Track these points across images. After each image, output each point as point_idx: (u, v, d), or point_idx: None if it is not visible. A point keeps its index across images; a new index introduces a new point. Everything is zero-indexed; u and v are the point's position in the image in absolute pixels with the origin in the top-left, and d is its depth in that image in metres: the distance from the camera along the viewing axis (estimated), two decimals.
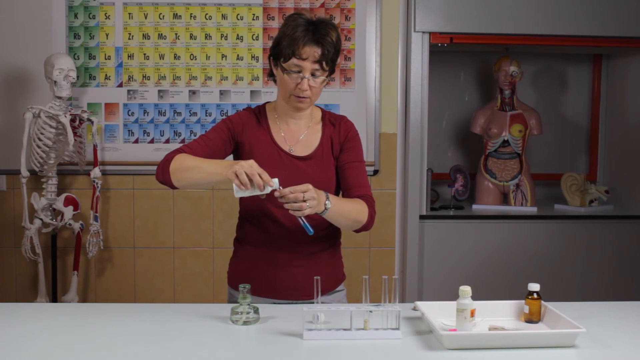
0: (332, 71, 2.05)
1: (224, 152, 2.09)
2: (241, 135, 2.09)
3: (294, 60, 1.98)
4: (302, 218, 1.88)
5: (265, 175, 1.83)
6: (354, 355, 1.68)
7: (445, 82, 4.00)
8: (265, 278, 2.09)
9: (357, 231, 2.07)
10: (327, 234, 2.12)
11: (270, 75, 2.11)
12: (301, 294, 2.07)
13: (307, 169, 2.06)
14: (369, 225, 2.06)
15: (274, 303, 2.08)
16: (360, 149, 2.15)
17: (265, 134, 2.10)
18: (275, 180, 1.85)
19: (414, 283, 3.49)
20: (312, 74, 1.99)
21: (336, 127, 2.13)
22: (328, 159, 2.10)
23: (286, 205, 1.85)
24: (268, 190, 1.84)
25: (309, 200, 1.84)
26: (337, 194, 2.12)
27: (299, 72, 1.98)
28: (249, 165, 1.84)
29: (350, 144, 2.12)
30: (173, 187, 1.99)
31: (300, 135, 2.11)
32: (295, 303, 2.07)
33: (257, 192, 1.84)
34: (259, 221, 2.09)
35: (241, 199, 2.14)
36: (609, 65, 4.03)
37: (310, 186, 1.85)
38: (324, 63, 1.99)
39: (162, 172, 1.98)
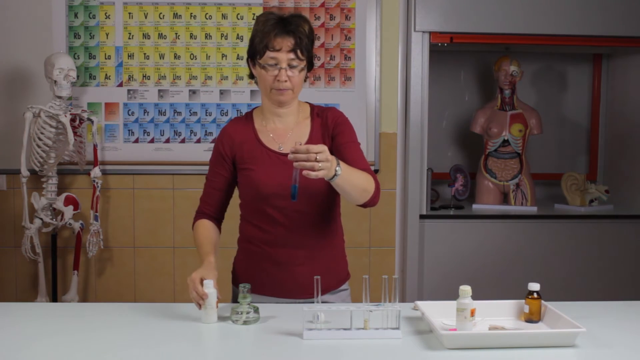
0: (310, 63, 2.06)
1: (231, 174, 2.13)
2: (231, 149, 2.11)
3: (268, 54, 1.98)
4: (297, 181, 1.85)
5: (199, 289, 1.87)
6: (354, 355, 1.68)
7: (445, 82, 3.99)
8: (268, 277, 2.09)
9: (364, 205, 2.01)
10: (329, 230, 2.13)
11: (251, 77, 2.12)
12: (304, 292, 2.07)
13: None
14: (375, 197, 2.01)
15: (277, 302, 2.09)
16: (352, 132, 2.12)
17: (251, 137, 2.10)
18: (208, 281, 1.89)
19: (414, 283, 3.49)
20: (289, 65, 1.99)
21: (323, 117, 2.12)
22: None
23: (296, 164, 1.79)
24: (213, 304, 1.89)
25: (322, 162, 1.78)
26: (333, 191, 2.08)
27: (276, 64, 1.99)
28: (190, 281, 1.90)
29: (339, 128, 2.10)
30: None
31: (288, 133, 2.10)
32: (299, 301, 2.06)
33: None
34: (259, 221, 2.10)
35: (241, 200, 2.15)
36: (609, 65, 4.03)
37: (325, 147, 1.80)
38: (298, 52, 1.99)
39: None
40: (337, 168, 1.85)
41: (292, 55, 1.99)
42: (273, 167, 2.05)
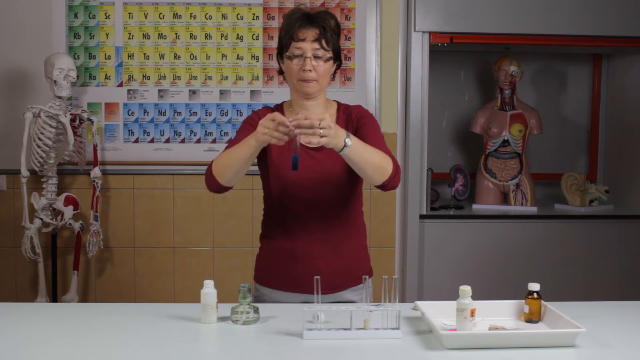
0: (337, 56, 2.08)
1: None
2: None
3: (294, 44, 2.02)
4: (297, 150, 1.84)
5: (281, 118, 1.81)
6: (354, 355, 1.68)
7: (445, 82, 3.99)
8: (288, 273, 2.10)
9: (383, 186, 1.98)
10: (349, 225, 2.13)
11: (280, 72, 2.14)
12: (324, 288, 2.06)
13: (322, 158, 2.07)
14: (395, 178, 1.98)
15: (298, 298, 2.08)
16: (375, 124, 2.12)
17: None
18: (208, 281, 1.89)
19: (414, 283, 3.49)
20: (315, 55, 2.01)
21: (348, 114, 2.15)
22: None
23: (298, 130, 1.80)
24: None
25: (324, 129, 1.79)
26: (352, 185, 2.10)
27: (301, 55, 2.02)
28: (266, 125, 1.83)
29: (362, 121, 2.12)
30: (224, 188, 2.01)
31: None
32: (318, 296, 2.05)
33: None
34: (280, 214, 2.11)
35: (265, 192, 2.16)
36: (609, 65, 4.03)
37: (327, 116, 1.82)
38: (323, 41, 2.02)
39: (210, 180, 2.01)
40: (347, 139, 1.84)
41: (316, 45, 2.01)
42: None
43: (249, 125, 2.09)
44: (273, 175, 2.10)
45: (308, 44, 2.01)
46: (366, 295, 1.80)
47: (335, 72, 2.13)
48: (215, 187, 2.02)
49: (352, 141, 1.85)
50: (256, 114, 2.15)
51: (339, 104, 2.19)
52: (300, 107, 2.11)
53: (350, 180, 2.08)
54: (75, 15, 3.41)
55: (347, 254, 2.13)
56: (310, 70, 2.01)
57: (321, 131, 1.79)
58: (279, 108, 2.18)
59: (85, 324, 1.90)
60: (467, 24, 3.42)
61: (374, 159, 1.92)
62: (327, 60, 2.04)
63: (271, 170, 2.10)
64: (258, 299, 2.17)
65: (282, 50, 2.07)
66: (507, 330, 1.82)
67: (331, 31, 2.04)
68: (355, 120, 2.12)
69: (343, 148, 1.85)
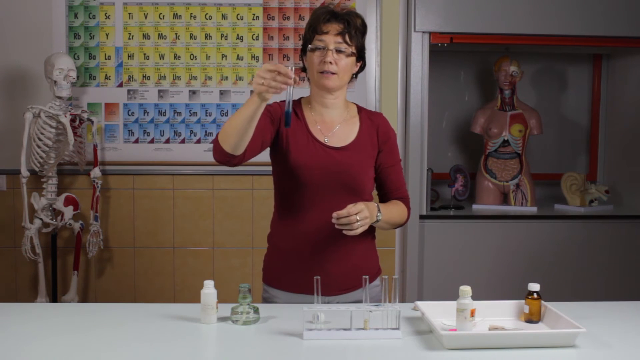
0: (360, 55, 2.09)
1: (271, 131, 2.05)
2: (280, 121, 2.09)
3: (317, 37, 2.03)
4: (290, 106, 1.82)
5: (282, 69, 1.76)
6: (354, 355, 1.68)
7: (445, 82, 4.00)
8: (298, 274, 2.09)
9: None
10: None
11: (304, 70, 2.14)
12: (335, 289, 2.08)
13: (342, 159, 2.07)
14: (406, 222, 2.21)
15: (309, 299, 2.04)
16: (397, 149, 2.20)
17: (301, 124, 2.11)
18: (208, 282, 1.91)
19: (414, 283, 3.49)
20: (337, 49, 2.02)
21: (375, 123, 2.15)
22: (365, 151, 2.11)
23: (338, 227, 1.91)
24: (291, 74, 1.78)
25: (361, 220, 1.91)
26: (365, 186, 2.12)
27: (324, 48, 2.02)
28: (262, 75, 1.76)
29: (388, 145, 2.16)
30: (232, 158, 1.93)
31: (334, 127, 2.11)
32: (328, 298, 2.05)
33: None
34: (291, 212, 2.10)
35: (276, 188, 2.16)
36: (609, 65, 4.03)
37: (362, 206, 1.91)
38: (346, 36, 2.02)
39: (216, 149, 1.94)
40: (379, 214, 2.01)
41: (339, 39, 2.02)
42: (316, 157, 2.06)
43: (267, 109, 2.05)
44: (291, 173, 2.06)
45: (331, 37, 2.01)
46: (366, 296, 1.79)
47: (357, 73, 2.14)
48: (221, 156, 1.94)
49: (382, 214, 2.02)
50: (277, 104, 2.11)
51: (359, 107, 2.19)
52: (320, 105, 2.11)
53: (363, 181, 2.10)
54: (75, 16, 3.41)
55: (358, 255, 2.12)
56: (331, 63, 2.01)
57: (358, 223, 1.90)
58: (297, 103, 2.15)
59: (85, 324, 1.90)
60: (467, 24, 3.42)
61: (396, 220, 2.13)
62: (349, 55, 2.04)
63: (291, 169, 2.05)
64: (267, 300, 2.16)
65: (305, 46, 2.07)
66: (507, 331, 1.82)
67: (355, 28, 2.05)
68: (382, 138, 2.14)
69: (375, 222, 2.02)
